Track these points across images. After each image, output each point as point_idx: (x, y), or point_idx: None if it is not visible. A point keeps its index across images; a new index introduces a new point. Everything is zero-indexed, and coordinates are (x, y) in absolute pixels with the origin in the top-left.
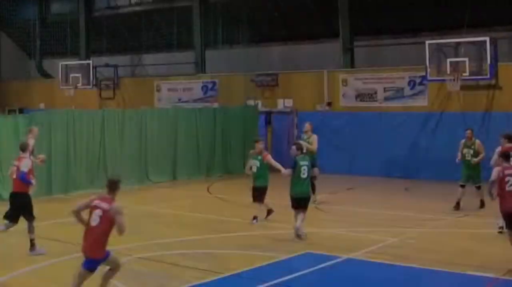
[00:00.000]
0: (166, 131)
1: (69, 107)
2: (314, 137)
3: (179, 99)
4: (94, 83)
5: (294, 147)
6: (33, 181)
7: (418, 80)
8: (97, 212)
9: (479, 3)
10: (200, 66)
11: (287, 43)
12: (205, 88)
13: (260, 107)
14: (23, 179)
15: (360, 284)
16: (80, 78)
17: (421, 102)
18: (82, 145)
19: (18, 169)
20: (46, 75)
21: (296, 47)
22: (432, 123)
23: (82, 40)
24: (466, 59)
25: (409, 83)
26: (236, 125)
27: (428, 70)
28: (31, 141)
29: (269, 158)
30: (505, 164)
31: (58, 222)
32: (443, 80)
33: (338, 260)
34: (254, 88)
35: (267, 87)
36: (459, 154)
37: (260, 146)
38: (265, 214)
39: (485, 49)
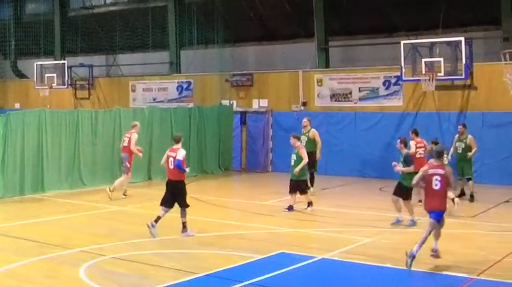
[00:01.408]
0: (141, 131)
1: (44, 107)
2: (314, 132)
3: (154, 99)
4: (69, 83)
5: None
6: (187, 169)
7: (393, 80)
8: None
9: (454, 3)
10: (175, 66)
11: (262, 43)
12: (180, 88)
13: (235, 107)
14: (179, 167)
15: (335, 284)
16: (55, 78)
17: (396, 102)
18: (56, 145)
19: (174, 158)
20: (21, 75)
21: (271, 47)
22: (407, 123)
23: (57, 40)
24: (441, 59)
25: (384, 83)
26: (211, 125)
27: (403, 70)
28: (135, 136)
29: (302, 151)
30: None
31: (31, 222)
32: (418, 80)
33: (313, 260)
34: (229, 88)
35: (242, 87)
36: (452, 150)
37: (293, 140)
38: (305, 205)
39: (460, 50)
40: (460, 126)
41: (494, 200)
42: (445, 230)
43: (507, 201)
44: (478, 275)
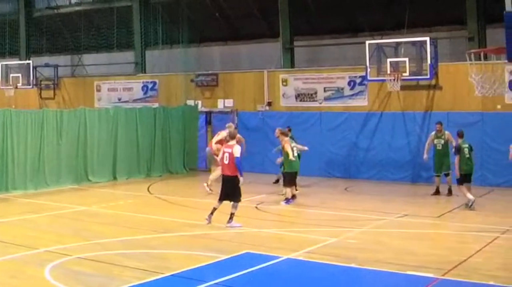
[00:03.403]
0: (106, 132)
1: (9, 107)
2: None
3: (119, 99)
4: (34, 83)
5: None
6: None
7: (358, 80)
8: None
9: (419, 3)
10: (140, 66)
11: (227, 43)
12: (145, 88)
13: (200, 107)
14: (238, 163)
15: (300, 284)
16: (20, 78)
17: (361, 102)
18: (21, 145)
19: (230, 154)
20: None
21: (236, 47)
22: (372, 123)
23: (22, 40)
24: (406, 59)
25: (349, 83)
26: (176, 125)
27: (368, 70)
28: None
29: (285, 146)
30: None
31: None
32: (383, 80)
33: (278, 260)
34: (194, 88)
35: (207, 87)
36: (427, 146)
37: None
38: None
39: (425, 49)
40: (437, 124)
41: (459, 200)
42: (410, 230)
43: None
44: (443, 275)
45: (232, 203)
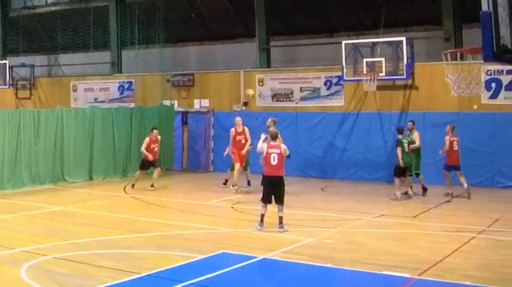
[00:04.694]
0: (83, 132)
1: None
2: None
3: (95, 99)
4: (10, 83)
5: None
6: None
7: (334, 80)
8: None
9: (395, 3)
10: (117, 66)
11: (203, 43)
12: (121, 88)
13: (177, 107)
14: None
15: (276, 284)
16: None
17: (338, 102)
18: None
19: (278, 154)
20: None
21: (212, 47)
22: (348, 124)
23: None
24: (383, 59)
25: (325, 83)
26: (152, 125)
27: (345, 70)
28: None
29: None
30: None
31: None
32: (360, 80)
33: (254, 260)
34: (170, 88)
35: (184, 87)
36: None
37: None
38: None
39: (402, 50)
40: (409, 123)
41: (435, 200)
42: (387, 230)
43: (448, 201)
44: (419, 275)
45: (279, 206)
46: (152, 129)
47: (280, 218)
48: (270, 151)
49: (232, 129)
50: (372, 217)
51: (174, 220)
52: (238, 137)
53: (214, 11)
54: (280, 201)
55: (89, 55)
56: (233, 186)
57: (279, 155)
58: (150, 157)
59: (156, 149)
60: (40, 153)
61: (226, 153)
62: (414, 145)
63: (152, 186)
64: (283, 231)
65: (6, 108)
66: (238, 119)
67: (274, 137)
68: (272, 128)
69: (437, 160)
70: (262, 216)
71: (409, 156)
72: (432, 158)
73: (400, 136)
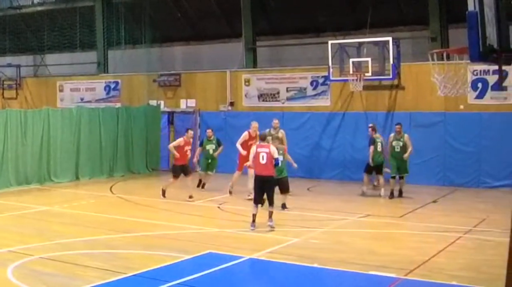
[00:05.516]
0: (69, 132)
1: None
2: (283, 133)
3: (82, 99)
4: None
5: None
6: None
7: (320, 80)
8: None
9: (382, 3)
10: (103, 66)
11: (190, 43)
12: (107, 88)
13: (163, 107)
14: (276, 164)
15: (262, 284)
16: None
17: (324, 102)
18: None
19: (267, 154)
20: None
21: (198, 47)
22: (335, 124)
23: None
24: (369, 59)
25: (311, 83)
26: (139, 125)
27: (331, 70)
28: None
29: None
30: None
31: None
32: (346, 80)
33: (241, 260)
34: (156, 88)
35: (170, 87)
36: (389, 148)
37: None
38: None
39: (388, 50)
40: (397, 126)
41: (422, 200)
42: (373, 230)
43: (434, 201)
44: (405, 275)
45: (269, 204)
46: (187, 129)
47: (270, 212)
48: (259, 150)
49: (246, 133)
50: (358, 217)
51: (161, 220)
52: (250, 142)
53: (200, 11)
54: (270, 201)
55: (76, 55)
56: (249, 194)
57: (268, 154)
58: (177, 154)
59: (189, 152)
60: (27, 153)
61: (248, 165)
62: (410, 150)
63: (190, 197)
64: (272, 224)
65: None
66: (255, 124)
67: (263, 138)
68: (275, 130)
69: (425, 160)
70: (254, 216)
71: (381, 156)
72: (419, 158)
73: (374, 135)
